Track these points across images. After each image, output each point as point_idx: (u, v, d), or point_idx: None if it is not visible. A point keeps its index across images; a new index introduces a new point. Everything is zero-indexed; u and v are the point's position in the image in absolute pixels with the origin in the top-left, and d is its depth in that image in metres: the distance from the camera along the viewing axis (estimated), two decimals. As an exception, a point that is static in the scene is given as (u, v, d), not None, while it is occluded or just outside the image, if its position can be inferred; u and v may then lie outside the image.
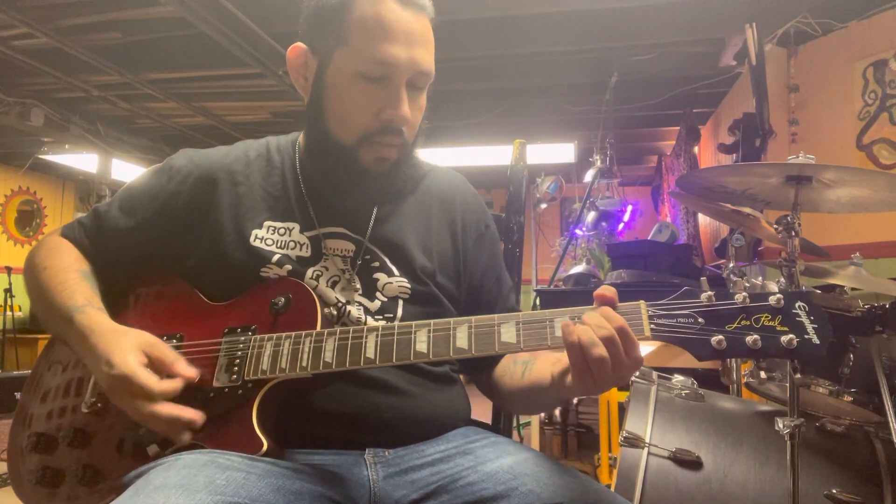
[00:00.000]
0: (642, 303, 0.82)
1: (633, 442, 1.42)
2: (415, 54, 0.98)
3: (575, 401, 3.60)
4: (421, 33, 1.00)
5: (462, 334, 0.86)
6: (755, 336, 0.77)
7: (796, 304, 0.77)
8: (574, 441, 3.67)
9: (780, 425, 1.29)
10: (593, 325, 0.78)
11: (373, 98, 0.99)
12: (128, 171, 6.01)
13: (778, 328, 0.77)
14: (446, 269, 1.11)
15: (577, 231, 4.57)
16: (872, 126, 2.99)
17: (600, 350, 0.77)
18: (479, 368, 1.14)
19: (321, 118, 1.03)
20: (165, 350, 0.92)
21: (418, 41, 0.99)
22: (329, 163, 1.05)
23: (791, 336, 0.76)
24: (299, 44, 1.05)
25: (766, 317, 0.78)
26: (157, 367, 0.91)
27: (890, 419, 1.35)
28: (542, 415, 3.56)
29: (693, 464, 1.38)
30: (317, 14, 1.02)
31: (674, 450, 1.39)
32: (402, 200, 1.12)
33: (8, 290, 6.18)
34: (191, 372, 0.92)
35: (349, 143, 1.02)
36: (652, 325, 0.80)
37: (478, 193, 1.23)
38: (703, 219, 4.87)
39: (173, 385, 0.89)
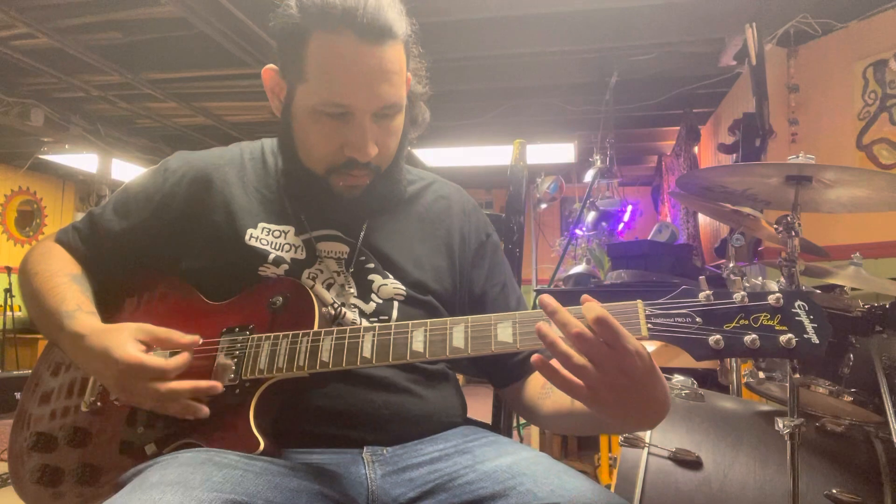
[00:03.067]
0: (639, 302, 0.81)
1: (633, 442, 1.42)
2: (375, 91, 0.94)
3: (575, 401, 3.58)
4: (381, 67, 0.93)
5: (458, 334, 0.85)
6: (753, 335, 0.76)
7: (796, 304, 0.76)
8: (574, 441, 3.67)
9: (780, 425, 1.29)
10: (559, 323, 0.74)
11: (335, 134, 0.97)
12: (128, 171, 6.02)
13: (777, 328, 0.76)
14: (441, 281, 1.10)
15: (577, 231, 4.57)
16: (872, 126, 2.99)
17: (576, 360, 0.73)
18: (507, 379, 1.11)
19: (291, 145, 1.03)
20: (157, 329, 0.94)
21: (378, 77, 0.94)
22: (302, 186, 1.05)
23: (790, 336, 0.75)
24: (272, 66, 1.04)
25: (765, 316, 0.77)
26: (156, 347, 0.93)
27: (890, 419, 1.35)
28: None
29: (693, 464, 1.38)
30: (280, 41, 1.00)
31: (674, 450, 1.39)
32: (396, 212, 1.12)
33: (8, 290, 6.18)
34: (189, 338, 0.93)
35: (318, 172, 1.02)
36: (649, 325, 0.79)
37: (476, 204, 1.22)
38: (703, 219, 4.87)
39: (182, 359, 0.91)
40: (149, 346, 0.92)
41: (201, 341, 0.95)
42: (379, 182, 1.04)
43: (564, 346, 0.74)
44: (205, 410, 0.89)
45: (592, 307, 0.75)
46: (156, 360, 0.89)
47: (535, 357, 0.75)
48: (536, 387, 1.06)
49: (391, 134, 1.01)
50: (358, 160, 0.98)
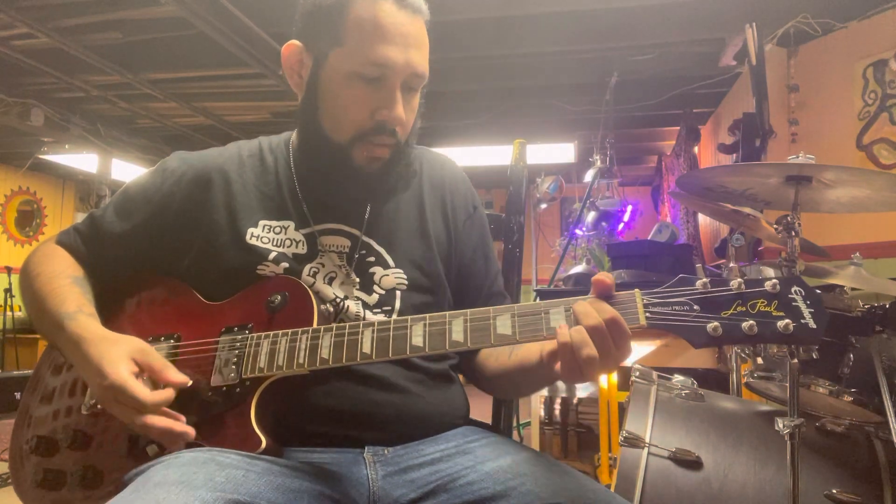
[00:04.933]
0: (637, 291, 0.81)
1: (633, 442, 1.42)
2: (410, 56, 0.98)
3: (574, 400, 3.60)
4: (416, 35, 1.00)
5: (458, 328, 0.85)
6: (751, 322, 0.76)
7: (792, 289, 0.77)
8: (574, 441, 3.67)
9: (780, 425, 1.29)
10: (582, 313, 0.78)
11: (367, 98, 0.99)
12: (128, 171, 6.02)
13: (774, 313, 0.76)
14: (442, 252, 1.12)
15: (577, 231, 4.57)
16: (872, 126, 2.99)
17: (590, 350, 0.77)
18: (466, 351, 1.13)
19: (315, 116, 1.04)
20: (156, 357, 0.92)
21: (413, 43, 0.99)
22: (322, 161, 1.05)
23: (787, 321, 0.75)
24: (294, 41, 1.05)
25: (762, 302, 0.77)
26: (148, 374, 0.91)
27: (890, 419, 1.35)
28: (542, 414, 3.55)
29: (693, 464, 1.38)
30: (312, 13, 1.02)
31: (674, 450, 1.39)
32: (397, 188, 1.13)
33: (8, 290, 6.18)
34: (180, 378, 0.91)
35: (342, 142, 1.02)
36: (647, 314, 0.80)
37: (465, 174, 1.24)
38: (703, 219, 4.87)
39: (164, 395, 0.88)
40: (140, 369, 0.90)
41: (190, 383, 0.92)
42: (395, 161, 1.05)
43: (592, 351, 0.77)
44: (180, 448, 0.87)
45: (605, 308, 0.78)
46: (138, 389, 0.86)
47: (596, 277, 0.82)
48: (485, 350, 1.11)
49: (411, 110, 1.05)
50: (387, 124, 1.00)
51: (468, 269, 1.16)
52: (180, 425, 0.88)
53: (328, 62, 1.01)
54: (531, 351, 0.94)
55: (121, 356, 0.89)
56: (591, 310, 0.79)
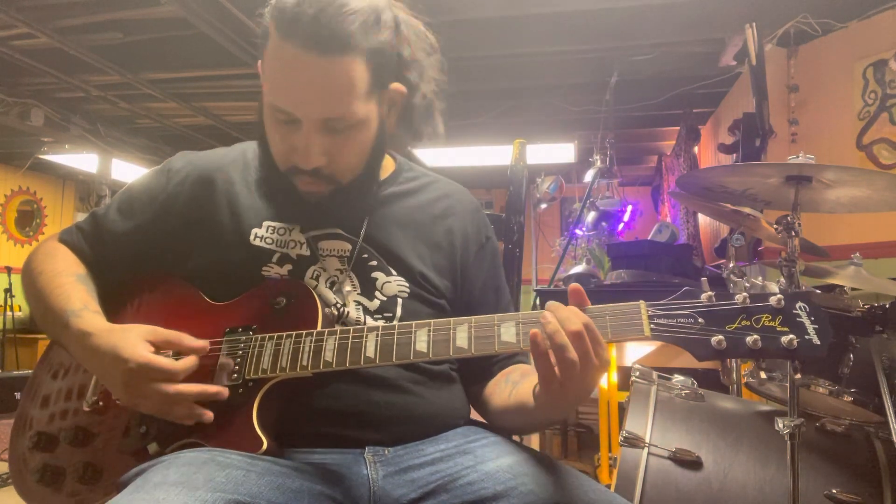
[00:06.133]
0: (642, 303, 0.82)
1: (633, 442, 1.42)
2: (313, 102, 0.92)
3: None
4: (324, 79, 0.90)
5: (462, 334, 0.86)
6: (755, 336, 0.77)
7: (797, 305, 0.77)
8: (574, 441, 3.67)
9: (780, 425, 1.29)
10: (562, 318, 0.79)
11: (285, 139, 0.97)
12: (128, 171, 6.01)
13: (778, 328, 0.77)
14: (443, 276, 1.10)
15: (577, 231, 4.57)
16: (872, 126, 2.99)
17: (570, 351, 0.77)
18: (474, 381, 1.14)
19: (264, 140, 1.03)
20: (166, 332, 0.94)
21: (318, 89, 0.91)
22: (272, 183, 1.05)
23: (791, 336, 0.76)
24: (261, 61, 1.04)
25: (767, 317, 0.78)
26: (165, 349, 0.93)
27: (890, 419, 1.35)
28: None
29: (693, 464, 1.38)
30: (260, 40, 1.00)
31: (674, 450, 1.39)
32: (398, 208, 1.12)
33: (8, 290, 6.18)
34: (199, 343, 0.93)
35: (283, 170, 1.01)
36: (652, 325, 0.80)
37: (479, 205, 1.22)
38: (703, 219, 4.87)
39: (190, 361, 0.91)
40: (157, 347, 0.92)
41: (209, 348, 0.95)
42: (344, 192, 1.03)
43: (564, 338, 0.78)
44: (209, 415, 0.90)
45: (579, 315, 0.79)
46: (165, 360, 0.90)
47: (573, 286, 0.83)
48: (491, 385, 1.10)
49: (348, 146, 0.98)
50: (300, 167, 0.97)
51: (479, 299, 1.15)
52: (213, 386, 0.90)
53: (265, 92, 0.99)
54: (527, 391, 0.94)
55: (135, 339, 0.91)
56: (568, 313, 0.80)
